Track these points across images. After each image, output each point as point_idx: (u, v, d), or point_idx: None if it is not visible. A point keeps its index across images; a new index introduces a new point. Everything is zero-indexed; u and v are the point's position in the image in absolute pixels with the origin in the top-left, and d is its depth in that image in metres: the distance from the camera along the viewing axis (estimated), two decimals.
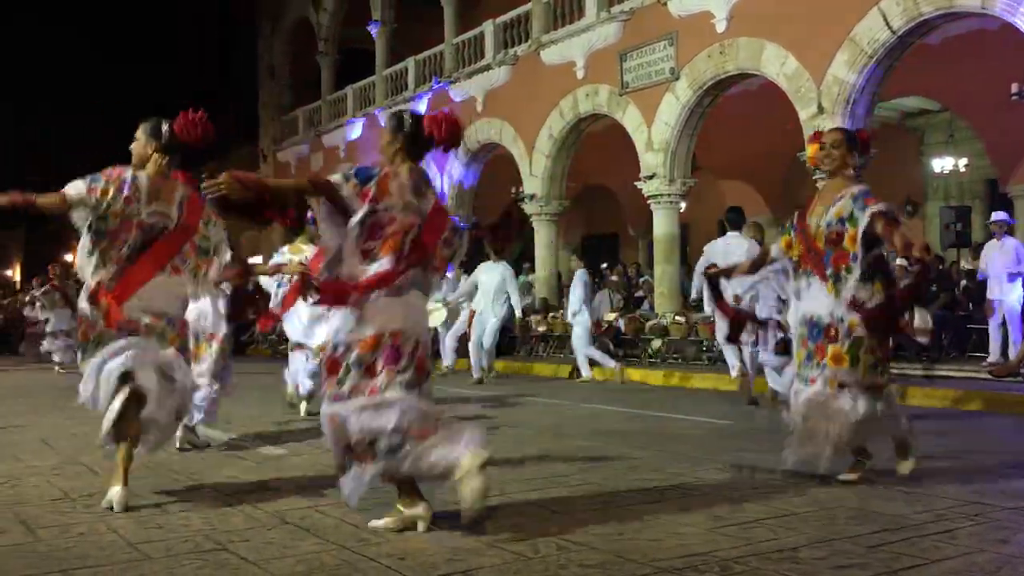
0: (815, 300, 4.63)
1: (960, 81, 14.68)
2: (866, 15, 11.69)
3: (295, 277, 6.35)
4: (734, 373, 9.17)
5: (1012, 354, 10.17)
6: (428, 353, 3.78)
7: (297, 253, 7.43)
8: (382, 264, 3.61)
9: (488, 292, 11.87)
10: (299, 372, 7.81)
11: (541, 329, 15.44)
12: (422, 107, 21.04)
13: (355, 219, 3.61)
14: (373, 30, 22.97)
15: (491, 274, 11.86)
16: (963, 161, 17.05)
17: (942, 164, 17.30)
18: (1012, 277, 10.35)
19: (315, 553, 3.29)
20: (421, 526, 3.57)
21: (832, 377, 4.52)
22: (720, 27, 13.70)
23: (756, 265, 5.24)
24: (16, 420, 7.82)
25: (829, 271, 4.57)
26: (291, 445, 6.06)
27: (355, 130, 23.80)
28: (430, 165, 20.88)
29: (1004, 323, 10.50)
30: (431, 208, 3.79)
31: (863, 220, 4.49)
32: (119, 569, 3.12)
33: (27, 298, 17.82)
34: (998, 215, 11.01)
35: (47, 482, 4.76)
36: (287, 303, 6.95)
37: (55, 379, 13.20)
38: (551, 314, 15.39)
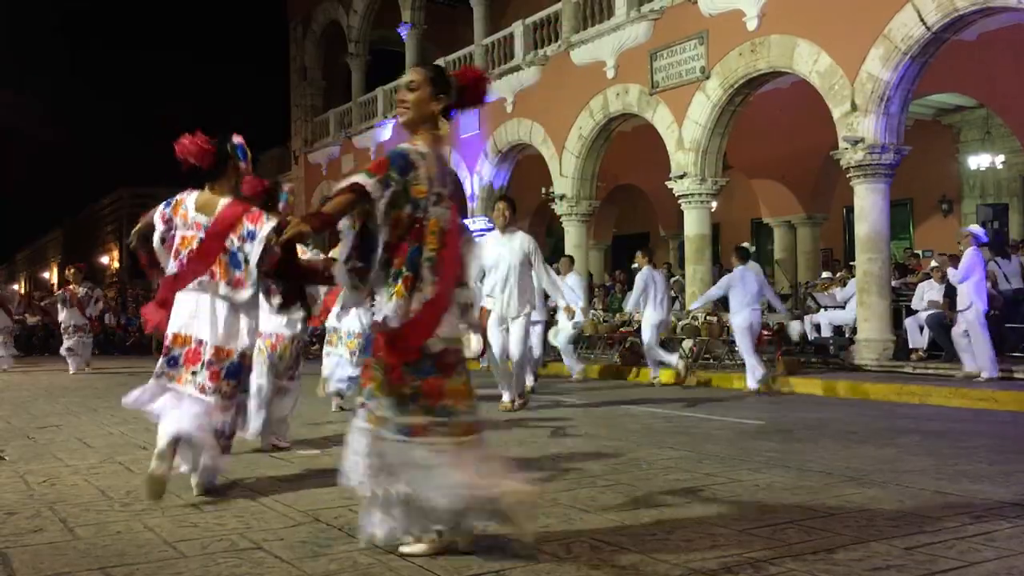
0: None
1: (997, 77, 14.48)
2: (900, 11, 11.55)
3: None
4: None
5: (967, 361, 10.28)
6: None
7: None
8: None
9: (507, 277, 8.21)
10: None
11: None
12: None
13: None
14: (403, 31, 23.07)
15: (504, 250, 8.17)
16: (1000, 158, 16.83)
17: (978, 161, 17.09)
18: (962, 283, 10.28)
19: (348, 552, 3.31)
20: None
21: (371, 408, 3.19)
22: (751, 25, 13.61)
23: None
24: (53, 420, 7.94)
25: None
26: (323, 445, 6.09)
27: (385, 132, 23.92)
28: (459, 165, 20.98)
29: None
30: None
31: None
32: (155, 567, 3.15)
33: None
34: (969, 228, 10.83)
35: (84, 481, 4.83)
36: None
37: (91, 380, 13.40)
38: None
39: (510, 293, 8.16)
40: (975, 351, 10.08)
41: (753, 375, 10.41)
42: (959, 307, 10.27)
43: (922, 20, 11.34)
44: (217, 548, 3.38)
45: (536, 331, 10.69)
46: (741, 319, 10.51)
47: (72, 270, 16.02)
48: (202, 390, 4.27)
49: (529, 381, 9.72)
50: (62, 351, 15.27)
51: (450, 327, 3.23)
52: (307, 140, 28.50)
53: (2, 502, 4.29)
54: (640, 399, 9.59)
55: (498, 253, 8.15)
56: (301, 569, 3.11)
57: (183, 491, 4.38)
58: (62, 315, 15.25)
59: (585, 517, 3.85)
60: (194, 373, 4.28)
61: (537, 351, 11.00)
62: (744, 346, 10.53)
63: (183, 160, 4.46)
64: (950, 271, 10.65)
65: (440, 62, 21.70)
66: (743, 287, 10.49)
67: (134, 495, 4.37)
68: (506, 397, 8.41)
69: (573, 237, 17.72)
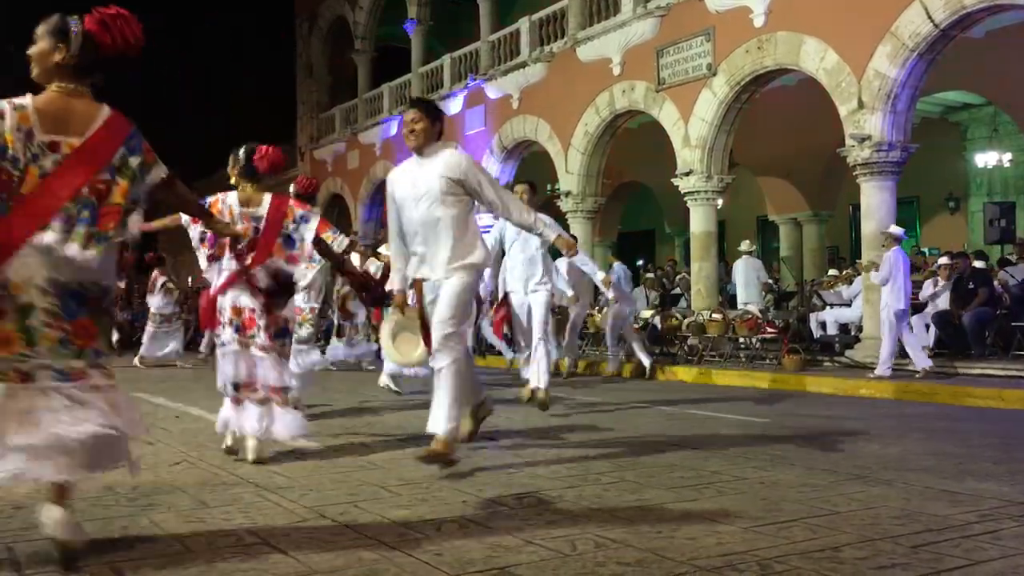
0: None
1: (1004, 75, 14.45)
2: (908, 8, 11.54)
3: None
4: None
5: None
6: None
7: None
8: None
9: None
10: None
11: None
12: (458, 105, 21.11)
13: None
14: (409, 28, 23.07)
15: (418, 181, 4.88)
16: (1007, 156, 16.80)
17: (985, 159, 17.05)
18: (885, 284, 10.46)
19: (354, 548, 3.31)
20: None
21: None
22: (758, 22, 13.59)
23: None
24: None
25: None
26: (328, 441, 6.10)
27: (391, 128, 23.92)
28: None
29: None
30: None
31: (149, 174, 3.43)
32: (161, 562, 3.16)
33: None
34: (890, 229, 10.91)
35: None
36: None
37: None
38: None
39: (434, 245, 4.84)
40: (885, 345, 10.38)
41: (615, 360, 12.74)
42: (886, 305, 10.44)
43: (930, 17, 11.31)
44: (223, 544, 3.38)
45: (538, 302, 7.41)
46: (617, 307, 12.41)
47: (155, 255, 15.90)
48: (263, 349, 5.17)
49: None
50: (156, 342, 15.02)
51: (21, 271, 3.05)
52: (313, 136, 28.52)
53: (9, 496, 4.30)
54: (647, 397, 9.60)
55: (409, 189, 4.94)
56: (307, 565, 3.12)
57: (190, 487, 4.39)
58: (158, 301, 15.08)
59: (590, 514, 3.86)
60: (252, 336, 5.20)
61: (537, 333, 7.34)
62: (614, 332, 12.55)
63: (265, 168, 5.32)
64: (872, 273, 10.80)
65: (446, 58, 21.72)
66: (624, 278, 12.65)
67: (140, 490, 4.38)
68: (440, 426, 4.67)
69: (578, 234, 17.70)
